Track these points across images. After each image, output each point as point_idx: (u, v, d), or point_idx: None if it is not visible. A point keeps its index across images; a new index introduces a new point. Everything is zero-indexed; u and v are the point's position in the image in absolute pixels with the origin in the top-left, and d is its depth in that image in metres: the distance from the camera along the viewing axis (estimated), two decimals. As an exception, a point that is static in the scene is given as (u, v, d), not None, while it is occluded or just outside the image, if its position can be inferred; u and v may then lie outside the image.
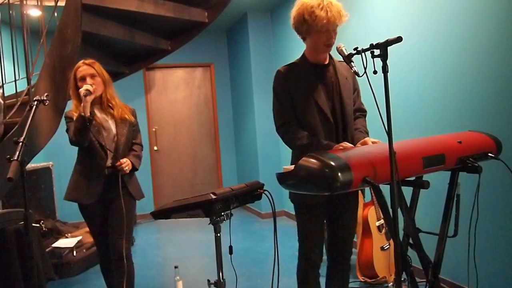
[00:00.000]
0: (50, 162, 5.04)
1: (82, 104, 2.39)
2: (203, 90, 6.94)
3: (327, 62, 2.17)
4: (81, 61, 2.60)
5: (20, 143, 1.56)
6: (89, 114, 2.38)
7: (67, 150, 6.33)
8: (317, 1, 1.97)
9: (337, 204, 2.19)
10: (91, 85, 2.48)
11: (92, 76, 2.56)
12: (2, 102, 3.09)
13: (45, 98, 1.83)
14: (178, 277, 3.12)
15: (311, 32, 2.03)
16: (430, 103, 3.11)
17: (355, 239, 2.64)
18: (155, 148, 6.67)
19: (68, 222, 4.97)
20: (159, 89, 6.75)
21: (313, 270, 2.21)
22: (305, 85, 2.10)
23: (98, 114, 2.59)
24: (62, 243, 4.18)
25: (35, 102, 1.81)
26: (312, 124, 2.09)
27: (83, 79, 2.53)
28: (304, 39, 2.14)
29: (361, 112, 2.30)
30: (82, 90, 2.42)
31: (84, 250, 4.18)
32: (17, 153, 1.52)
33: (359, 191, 2.41)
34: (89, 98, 2.41)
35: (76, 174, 2.62)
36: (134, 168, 2.66)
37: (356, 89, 2.27)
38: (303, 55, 2.19)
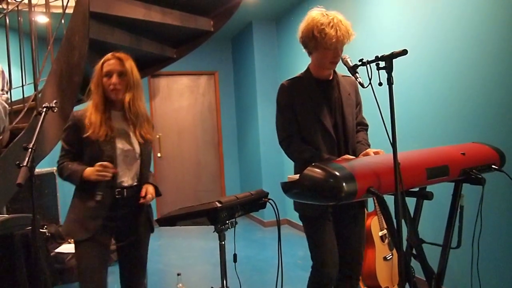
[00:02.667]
0: (54, 168, 5.05)
1: (96, 173, 2.00)
2: (207, 98, 6.98)
3: (331, 77, 2.19)
4: (111, 53, 2.19)
5: (30, 149, 1.58)
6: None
7: (72, 155, 6.28)
8: (327, 19, 1.99)
9: (342, 217, 2.19)
10: (116, 84, 2.11)
11: (120, 74, 2.14)
12: (7, 106, 3.11)
13: (53, 105, 1.85)
14: (180, 284, 3.12)
15: (318, 48, 2.05)
16: (434, 115, 3.12)
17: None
18: (159, 155, 6.68)
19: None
20: (163, 96, 6.79)
21: (327, 286, 2.15)
22: (308, 100, 2.12)
23: (117, 124, 2.20)
24: (65, 248, 4.19)
25: (44, 109, 1.83)
26: (314, 139, 2.11)
27: (109, 75, 2.12)
28: (310, 53, 2.15)
29: (363, 126, 2.33)
30: (99, 174, 2.00)
31: (87, 256, 4.19)
32: (27, 159, 1.53)
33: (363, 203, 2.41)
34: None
35: (75, 198, 2.19)
36: (158, 193, 2.25)
37: (358, 104, 2.29)
38: (308, 69, 2.21)
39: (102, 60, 2.18)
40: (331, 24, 1.97)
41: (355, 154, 2.16)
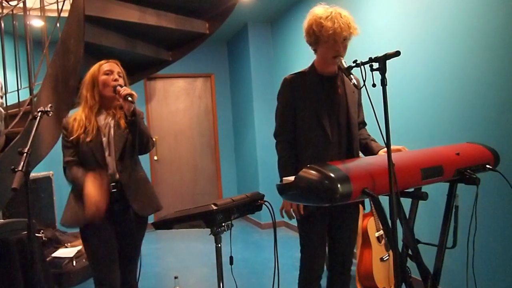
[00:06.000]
0: (51, 172, 5.04)
1: (126, 108, 2.15)
2: (204, 100, 6.98)
3: (336, 74, 2.19)
4: (104, 60, 2.37)
5: (25, 154, 1.58)
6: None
7: (68, 159, 6.23)
8: (326, 12, 2.00)
9: (338, 214, 2.20)
10: (118, 79, 2.26)
11: (119, 75, 2.31)
12: (3, 111, 3.10)
13: (49, 109, 1.85)
14: (178, 287, 3.12)
15: (319, 43, 2.05)
16: (428, 115, 3.13)
17: (354, 250, 2.64)
18: (156, 158, 6.68)
19: (68, 232, 4.96)
20: (160, 99, 6.79)
21: (315, 281, 2.21)
22: (309, 96, 2.12)
23: (103, 120, 2.31)
24: (61, 252, 4.18)
25: (39, 113, 1.83)
26: (309, 136, 2.12)
27: (110, 72, 2.28)
28: (315, 51, 2.15)
29: (364, 124, 2.34)
30: (123, 91, 2.14)
31: (84, 260, 4.17)
32: (22, 163, 1.53)
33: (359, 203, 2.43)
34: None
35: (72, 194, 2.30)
36: (135, 120, 2.17)
37: (360, 102, 2.30)
38: (313, 64, 2.20)
39: (98, 64, 2.33)
40: (329, 17, 1.97)
41: (365, 149, 2.21)
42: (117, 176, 2.27)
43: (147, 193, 2.43)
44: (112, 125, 2.29)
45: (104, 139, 2.26)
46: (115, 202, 2.26)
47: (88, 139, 2.20)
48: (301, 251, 2.24)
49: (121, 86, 2.20)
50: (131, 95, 2.13)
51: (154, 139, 2.36)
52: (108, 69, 2.28)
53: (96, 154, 2.22)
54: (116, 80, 2.26)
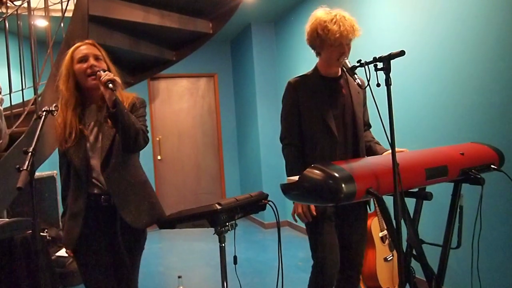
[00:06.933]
0: (54, 171, 5.04)
1: (107, 97, 1.80)
2: (207, 100, 6.98)
3: (339, 74, 2.19)
4: (80, 42, 1.97)
5: (30, 153, 1.58)
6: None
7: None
8: (330, 16, 2.00)
9: (346, 216, 2.20)
10: (95, 65, 1.88)
11: (97, 58, 1.93)
12: (1, 109, 3.09)
13: (53, 109, 1.85)
14: (181, 287, 3.12)
15: (324, 46, 2.06)
16: (433, 115, 3.13)
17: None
18: (159, 157, 6.69)
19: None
20: (163, 98, 6.80)
21: (329, 286, 2.16)
22: (313, 98, 2.12)
23: (92, 116, 1.99)
24: (65, 252, 4.19)
25: (44, 113, 1.83)
26: (315, 138, 2.12)
27: (84, 59, 1.91)
28: (318, 54, 2.16)
29: (369, 126, 2.34)
30: (104, 76, 1.79)
31: (88, 259, 4.18)
32: (27, 163, 1.54)
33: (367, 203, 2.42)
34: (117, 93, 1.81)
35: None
36: (117, 112, 1.79)
37: (365, 103, 2.30)
38: (316, 67, 2.21)
39: (71, 50, 1.96)
40: (334, 20, 1.98)
41: (369, 152, 2.20)
42: (103, 183, 1.94)
43: (144, 200, 2.05)
44: (103, 120, 1.95)
45: (88, 144, 1.94)
46: (106, 216, 1.98)
47: (68, 145, 1.91)
48: (312, 257, 2.19)
49: (104, 71, 1.85)
50: (112, 81, 1.79)
51: (145, 133, 1.95)
52: (82, 55, 1.91)
53: (77, 167, 1.91)
54: (93, 66, 1.89)
